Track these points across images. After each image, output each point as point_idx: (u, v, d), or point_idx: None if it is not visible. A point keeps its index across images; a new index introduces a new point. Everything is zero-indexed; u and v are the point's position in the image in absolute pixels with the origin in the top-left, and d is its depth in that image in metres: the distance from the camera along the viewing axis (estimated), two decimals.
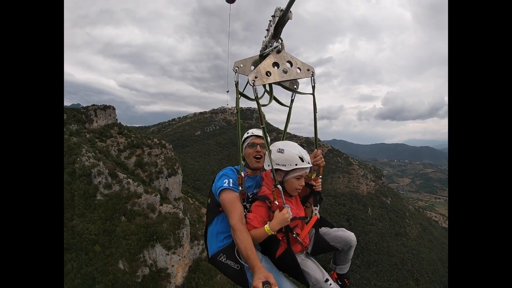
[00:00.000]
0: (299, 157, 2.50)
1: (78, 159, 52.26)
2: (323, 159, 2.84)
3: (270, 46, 2.69)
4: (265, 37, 2.77)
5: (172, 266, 48.00)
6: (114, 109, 77.15)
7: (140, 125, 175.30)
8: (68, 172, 50.86)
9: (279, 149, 2.54)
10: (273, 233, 2.36)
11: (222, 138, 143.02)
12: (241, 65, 2.68)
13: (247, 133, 3.01)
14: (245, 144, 2.93)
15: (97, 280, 41.63)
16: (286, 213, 2.35)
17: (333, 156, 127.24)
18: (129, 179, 53.44)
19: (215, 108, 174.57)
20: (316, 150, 2.85)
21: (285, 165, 2.50)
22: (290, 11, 2.41)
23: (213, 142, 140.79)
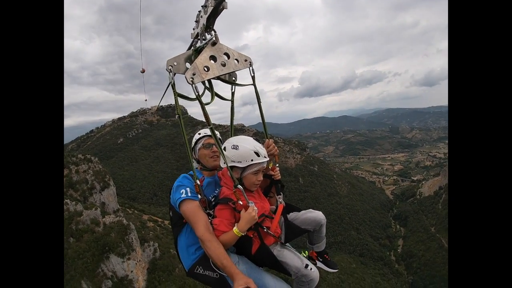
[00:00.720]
0: (255, 152, 2.42)
1: None
2: (276, 147, 2.81)
3: (203, 39, 2.49)
4: (194, 29, 2.59)
5: (131, 272, 48.90)
6: None
7: None
8: None
9: (234, 145, 2.44)
10: (243, 233, 2.28)
11: (147, 141, 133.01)
12: (175, 63, 2.39)
13: (199, 133, 2.84)
14: (199, 145, 2.76)
15: None
16: (252, 211, 2.28)
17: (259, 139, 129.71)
18: (66, 200, 51.86)
19: (134, 110, 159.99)
20: (267, 140, 2.79)
21: (241, 162, 2.41)
22: (225, 1, 2.27)
23: (138, 147, 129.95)
